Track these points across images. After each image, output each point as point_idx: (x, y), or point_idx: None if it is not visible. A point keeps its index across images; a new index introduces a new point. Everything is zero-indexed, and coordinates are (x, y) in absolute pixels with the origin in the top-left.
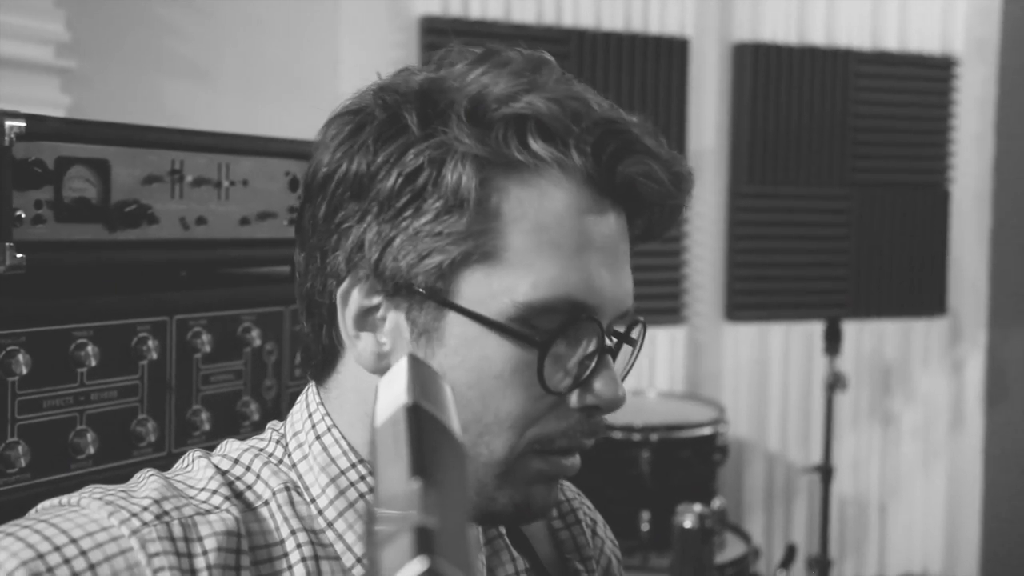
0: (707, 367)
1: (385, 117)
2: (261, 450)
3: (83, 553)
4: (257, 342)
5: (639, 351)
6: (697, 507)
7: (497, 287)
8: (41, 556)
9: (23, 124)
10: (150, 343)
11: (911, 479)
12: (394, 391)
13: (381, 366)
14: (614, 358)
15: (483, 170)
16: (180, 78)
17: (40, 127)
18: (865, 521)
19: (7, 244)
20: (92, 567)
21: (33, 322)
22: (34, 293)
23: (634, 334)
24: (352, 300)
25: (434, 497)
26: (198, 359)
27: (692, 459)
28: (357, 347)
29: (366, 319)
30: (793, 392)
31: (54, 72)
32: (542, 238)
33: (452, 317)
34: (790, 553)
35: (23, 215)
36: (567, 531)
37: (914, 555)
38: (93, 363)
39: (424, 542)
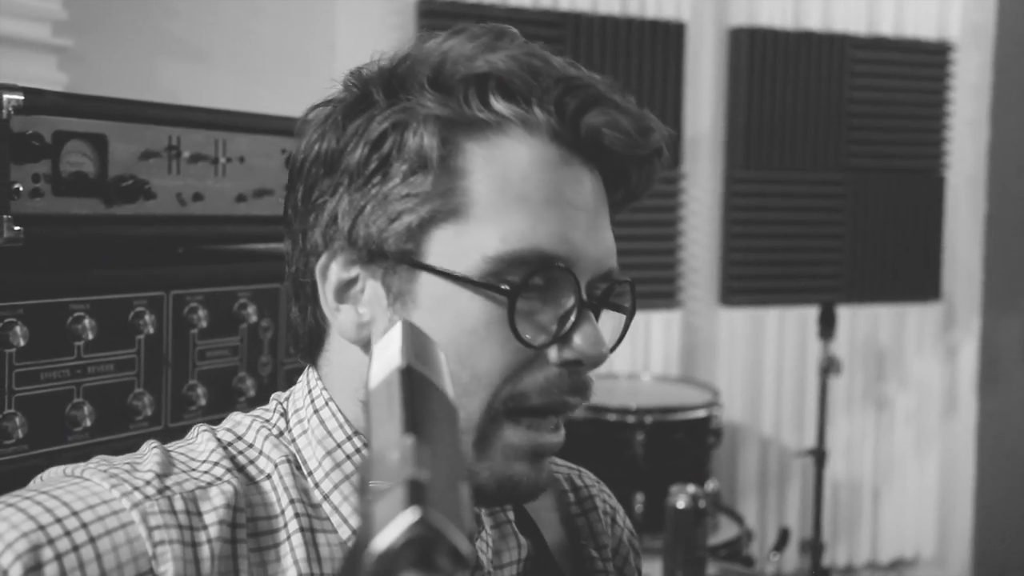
0: (702, 351)
1: (354, 97)
2: (266, 421)
3: (84, 525)
4: (253, 318)
5: (632, 313)
6: (690, 488)
7: (467, 243)
8: (42, 527)
9: (21, 97)
10: (147, 317)
11: (904, 464)
12: (388, 355)
13: (362, 336)
14: (596, 315)
15: (444, 130)
16: (177, 58)
17: (38, 101)
18: (858, 505)
19: (4, 216)
20: (92, 540)
21: (31, 294)
22: (32, 266)
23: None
24: (331, 273)
25: (427, 453)
26: (194, 334)
27: (686, 441)
28: (338, 319)
29: (346, 292)
30: (787, 376)
31: (51, 50)
32: (508, 192)
33: (424, 278)
34: (783, 536)
35: (21, 188)
36: (584, 517)
37: (907, 539)
38: (90, 336)
39: (416, 494)
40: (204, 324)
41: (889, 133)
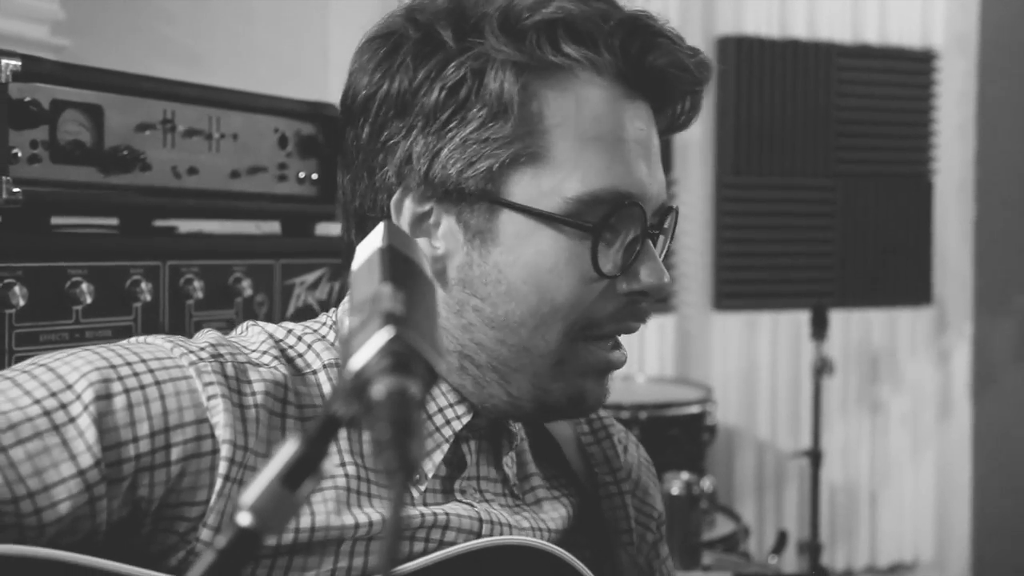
0: (696, 356)
1: (420, 36)
2: (315, 331)
3: (151, 371)
4: (248, 292)
5: (672, 237)
6: (684, 475)
7: (547, 186)
8: (114, 367)
9: (18, 63)
10: (143, 286)
11: (900, 467)
12: (371, 246)
13: (436, 269)
14: (654, 244)
15: (522, 76)
16: (172, 61)
17: (36, 68)
18: (855, 508)
19: (4, 178)
20: (158, 383)
21: (30, 256)
22: (30, 228)
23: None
24: (405, 208)
25: (403, 296)
26: (190, 305)
27: (681, 437)
28: None
29: (420, 225)
30: (781, 379)
31: (49, 50)
32: (583, 134)
33: (506, 216)
34: (781, 539)
35: (19, 153)
36: (597, 446)
37: (905, 543)
38: (88, 300)
39: (391, 319)
40: (200, 295)
41: (877, 139)
